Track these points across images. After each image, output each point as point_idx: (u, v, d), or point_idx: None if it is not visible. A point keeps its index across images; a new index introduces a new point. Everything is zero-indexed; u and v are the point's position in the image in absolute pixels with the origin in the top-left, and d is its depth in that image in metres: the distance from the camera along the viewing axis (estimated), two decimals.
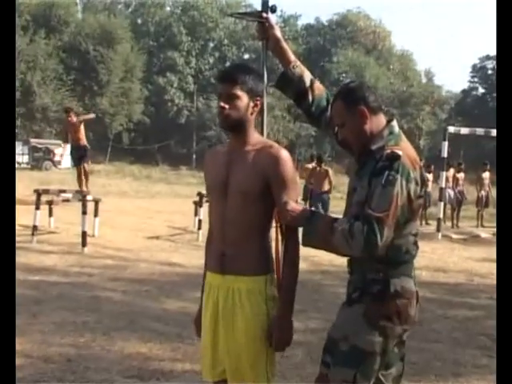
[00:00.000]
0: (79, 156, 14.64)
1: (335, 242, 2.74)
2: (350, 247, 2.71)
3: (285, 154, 2.97)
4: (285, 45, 3.33)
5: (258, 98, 3.04)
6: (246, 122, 3.01)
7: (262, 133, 3.25)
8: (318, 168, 15.62)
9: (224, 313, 3.01)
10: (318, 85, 3.34)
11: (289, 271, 2.99)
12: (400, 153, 2.75)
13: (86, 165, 14.57)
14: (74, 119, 14.43)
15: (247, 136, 3.00)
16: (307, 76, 3.32)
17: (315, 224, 2.80)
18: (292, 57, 3.32)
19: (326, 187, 15.42)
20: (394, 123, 2.95)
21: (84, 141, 14.54)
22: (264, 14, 3.28)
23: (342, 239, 2.72)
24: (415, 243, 2.94)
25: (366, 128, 2.89)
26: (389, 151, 2.77)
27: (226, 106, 2.96)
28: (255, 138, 3.06)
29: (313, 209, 2.91)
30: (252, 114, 3.03)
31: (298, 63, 3.32)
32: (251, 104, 3.00)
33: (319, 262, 9.53)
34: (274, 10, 3.28)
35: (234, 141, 3.05)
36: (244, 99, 2.98)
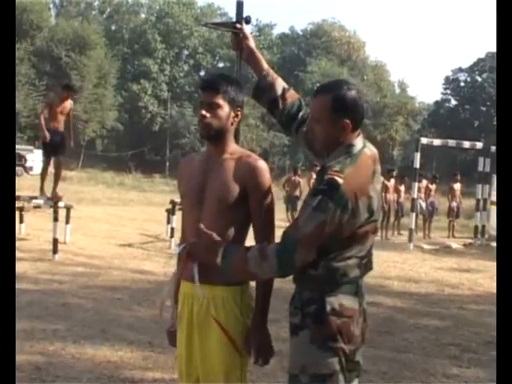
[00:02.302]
0: (57, 144, 12.22)
1: (251, 269, 2.71)
2: (265, 271, 2.70)
3: (262, 164, 2.99)
4: (258, 55, 3.32)
5: (239, 109, 3.06)
6: (226, 131, 3.02)
7: (237, 141, 3.25)
8: (293, 178, 21.48)
9: (199, 321, 3.01)
10: (291, 93, 3.31)
11: (262, 283, 3.00)
12: (340, 181, 2.63)
13: (61, 158, 12.71)
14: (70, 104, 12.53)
15: (225, 145, 3.01)
16: (279, 84, 3.30)
17: (230, 259, 2.76)
18: (265, 66, 3.31)
19: (298, 193, 20.90)
20: (357, 141, 2.83)
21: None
22: (238, 25, 3.28)
23: (256, 265, 2.69)
24: (360, 265, 2.83)
25: (339, 140, 2.81)
26: (330, 177, 2.66)
27: (208, 115, 2.97)
28: (233, 147, 3.08)
29: (225, 245, 2.80)
30: (232, 124, 3.05)
31: (271, 72, 3.30)
32: (232, 114, 3.02)
33: None
34: (248, 20, 3.29)
35: (212, 149, 3.05)
36: (225, 108, 2.99)
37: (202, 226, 2.83)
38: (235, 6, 3.40)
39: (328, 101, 2.79)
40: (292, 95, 3.32)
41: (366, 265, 2.89)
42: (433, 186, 20.67)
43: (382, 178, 2.95)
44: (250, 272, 2.73)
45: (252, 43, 3.31)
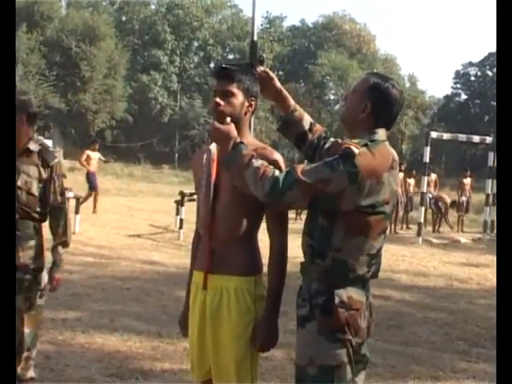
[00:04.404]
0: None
1: (246, 176, 2.76)
2: (256, 186, 2.73)
3: (278, 157, 3.02)
4: (285, 92, 3.34)
5: (253, 99, 3.08)
6: (240, 120, 3.03)
7: None
8: None
9: (211, 312, 3.02)
10: (317, 127, 3.38)
11: (275, 273, 3.01)
12: (356, 152, 2.70)
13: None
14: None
15: (241, 136, 2.99)
16: (307, 119, 3.36)
17: (239, 151, 2.81)
18: (291, 102, 3.35)
19: None
20: (380, 132, 2.92)
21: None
22: (258, 69, 3.20)
23: (253, 176, 2.74)
24: (369, 264, 2.86)
25: (357, 118, 2.91)
26: (347, 146, 2.74)
27: (222, 103, 2.99)
28: (249, 138, 3.09)
29: (239, 141, 2.86)
30: (246, 113, 3.06)
31: (298, 108, 3.35)
32: (246, 103, 3.04)
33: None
34: (262, 61, 3.24)
35: None
36: (239, 97, 3.01)
37: (228, 120, 2.92)
38: (249, 45, 3.37)
39: (370, 82, 2.94)
40: (318, 129, 3.38)
41: (375, 268, 2.91)
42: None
43: (399, 179, 2.98)
44: (244, 176, 2.78)
45: (277, 83, 3.31)
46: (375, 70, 61.69)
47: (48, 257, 4.22)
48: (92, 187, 17.09)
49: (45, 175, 4.08)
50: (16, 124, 4.12)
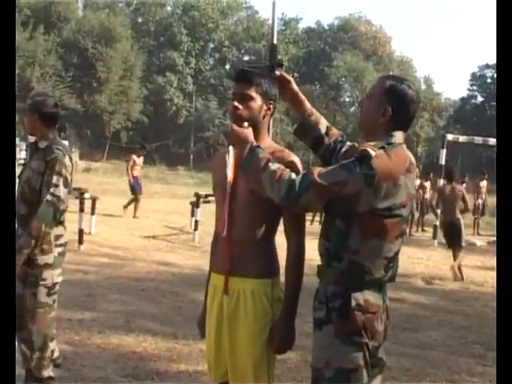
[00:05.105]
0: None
1: (263, 179, 2.77)
2: (272, 189, 2.74)
3: (295, 159, 3.03)
4: (301, 96, 3.33)
5: (272, 102, 3.08)
6: (258, 123, 3.04)
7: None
8: None
9: (228, 314, 3.03)
10: (333, 131, 3.38)
11: (292, 275, 3.01)
12: (372, 154, 2.70)
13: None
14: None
15: (259, 139, 3.01)
16: (323, 123, 3.35)
17: (255, 155, 2.82)
18: (308, 106, 3.34)
19: None
20: (398, 135, 2.91)
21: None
22: (277, 72, 3.18)
23: (269, 179, 2.75)
24: (386, 268, 2.85)
25: (376, 122, 2.91)
26: (364, 148, 2.73)
27: (240, 106, 3.00)
28: (267, 141, 3.10)
29: (255, 145, 2.87)
30: (264, 117, 3.07)
31: (314, 111, 3.35)
32: (264, 107, 3.04)
33: (316, 265, 9.74)
34: (281, 64, 3.23)
35: None
36: (258, 101, 3.01)
37: (246, 124, 2.94)
38: (269, 48, 3.37)
39: (386, 85, 2.93)
40: (335, 133, 3.38)
41: (392, 271, 2.91)
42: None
43: (415, 183, 2.97)
44: (260, 180, 2.79)
45: (295, 86, 3.30)
46: (391, 73, 61.73)
47: (54, 253, 4.22)
48: (136, 191, 17.32)
49: (42, 170, 4.13)
50: (32, 123, 4.21)
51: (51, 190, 4.11)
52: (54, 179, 4.13)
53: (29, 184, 4.14)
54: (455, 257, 11.64)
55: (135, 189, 17.33)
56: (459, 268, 11.40)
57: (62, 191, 4.16)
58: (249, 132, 2.88)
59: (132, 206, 17.13)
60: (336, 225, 2.82)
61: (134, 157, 17.68)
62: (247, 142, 2.86)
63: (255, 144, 2.85)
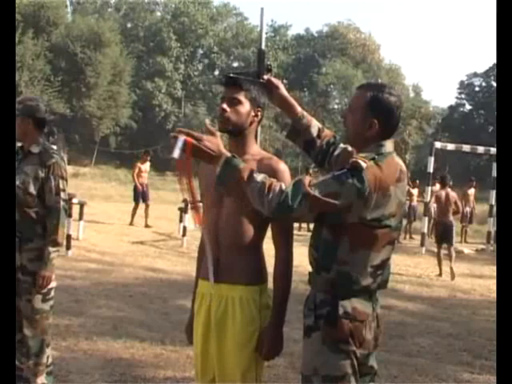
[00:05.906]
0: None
1: (249, 191, 2.65)
2: (262, 202, 2.64)
3: (283, 167, 3.02)
4: (291, 100, 3.30)
5: (260, 109, 3.08)
6: (246, 129, 3.04)
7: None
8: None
9: (216, 321, 3.02)
10: (326, 132, 3.36)
11: (280, 283, 3.01)
12: (364, 165, 2.67)
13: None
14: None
15: (247, 146, 3.02)
16: (314, 125, 3.33)
17: (234, 166, 2.66)
18: (298, 109, 3.31)
19: None
20: (387, 144, 2.88)
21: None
22: (265, 77, 3.18)
23: (257, 191, 2.64)
24: (374, 275, 2.83)
25: (365, 136, 2.86)
26: (355, 160, 2.69)
27: (228, 109, 3.00)
28: (255, 148, 3.09)
29: (227, 157, 2.69)
30: (252, 123, 3.06)
31: (305, 114, 3.33)
32: (252, 113, 3.04)
33: (303, 272, 9.70)
34: (269, 69, 3.22)
35: (233, 149, 3.03)
36: (246, 106, 3.02)
37: (207, 121, 2.90)
38: (256, 54, 3.36)
39: (367, 97, 2.86)
40: (327, 134, 3.35)
41: (381, 278, 2.88)
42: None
43: (405, 191, 2.96)
44: (245, 192, 2.66)
45: (283, 90, 3.27)
46: (379, 80, 61.90)
47: None
48: (144, 199, 17.18)
49: (42, 175, 4.12)
50: (23, 127, 4.19)
51: (61, 195, 4.15)
52: (60, 184, 4.16)
53: (24, 189, 4.12)
54: (450, 257, 12.38)
55: (138, 198, 17.12)
56: (451, 267, 12.04)
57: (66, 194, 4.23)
58: (218, 142, 2.72)
59: (140, 213, 17.14)
60: (323, 236, 2.81)
61: (139, 164, 17.60)
62: (219, 155, 2.70)
63: (229, 155, 2.71)
